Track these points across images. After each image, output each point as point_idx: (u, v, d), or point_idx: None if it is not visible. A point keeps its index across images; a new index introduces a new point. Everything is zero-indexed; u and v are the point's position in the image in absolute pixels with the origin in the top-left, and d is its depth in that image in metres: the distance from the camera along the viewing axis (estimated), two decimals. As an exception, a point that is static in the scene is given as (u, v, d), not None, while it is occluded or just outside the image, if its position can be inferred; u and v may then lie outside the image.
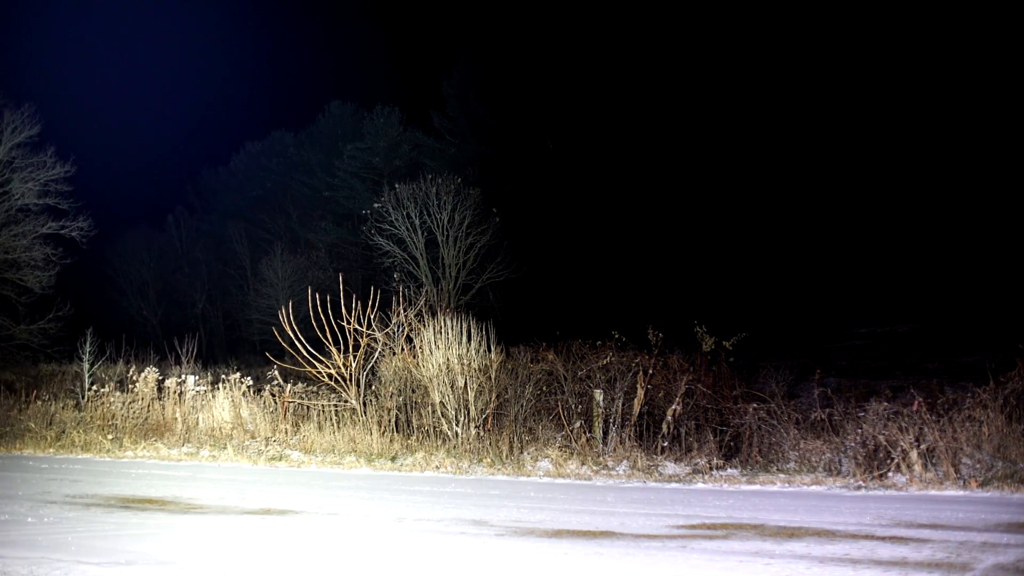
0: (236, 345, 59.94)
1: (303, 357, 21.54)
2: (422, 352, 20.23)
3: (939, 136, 47.44)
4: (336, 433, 20.47)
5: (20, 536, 10.07)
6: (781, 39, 56.72)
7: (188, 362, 25.56)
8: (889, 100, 50.63)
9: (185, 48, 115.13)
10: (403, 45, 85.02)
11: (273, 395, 22.56)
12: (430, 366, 19.83)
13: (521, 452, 18.19)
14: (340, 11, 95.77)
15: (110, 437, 22.37)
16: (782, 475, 15.57)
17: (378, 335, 21.50)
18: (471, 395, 19.21)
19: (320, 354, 21.44)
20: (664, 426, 17.87)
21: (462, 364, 19.55)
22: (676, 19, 61.63)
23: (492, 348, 19.90)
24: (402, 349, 21.22)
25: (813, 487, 14.57)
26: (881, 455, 14.92)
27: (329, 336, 21.27)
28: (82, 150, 47.48)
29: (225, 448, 20.82)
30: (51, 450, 22.08)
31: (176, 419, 22.85)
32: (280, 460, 19.56)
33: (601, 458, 17.46)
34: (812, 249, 49.54)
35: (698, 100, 56.89)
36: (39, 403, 24.33)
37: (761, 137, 53.35)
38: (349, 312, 21.23)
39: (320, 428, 20.91)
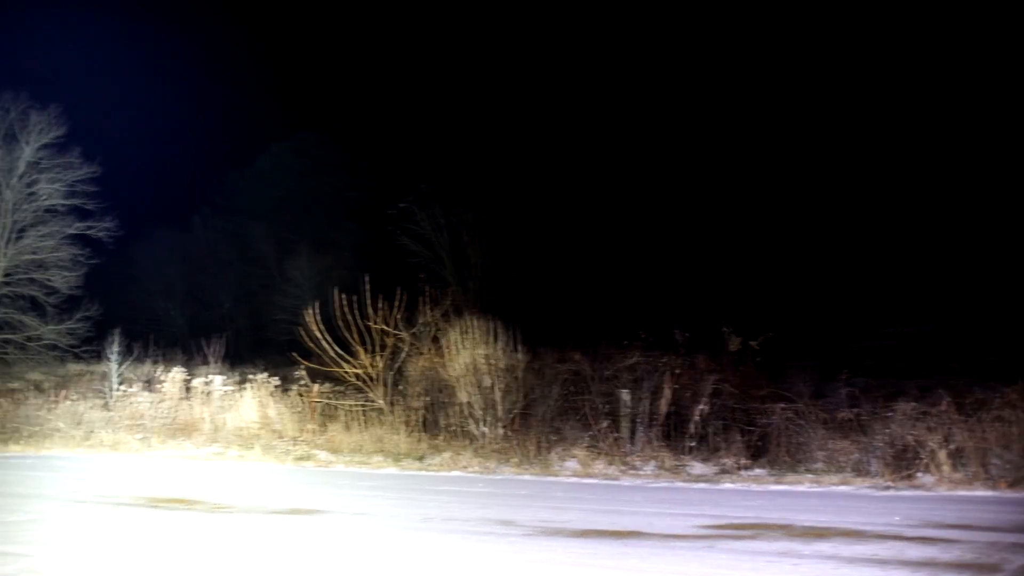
0: (262, 345, 59.81)
1: (329, 357, 21.58)
2: (448, 352, 20.24)
3: (966, 135, 47.22)
4: (363, 433, 20.50)
5: (49, 535, 10.13)
6: (806, 40, 56.59)
7: (215, 362, 25.64)
8: (915, 98, 50.44)
9: (211, 49, 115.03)
10: (427, 44, 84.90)
11: (300, 395, 22.61)
12: (456, 366, 19.84)
13: (548, 452, 18.19)
14: (362, 11, 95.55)
15: (138, 436, 22.47)
16: (810, 475, 15.53)
17: (404, 335, 21.51)
18: (498, 395, 19.22)
19: (347, 354, 21.47)
20: (691, 426, 17.84)
21: (488, 364, 19.54)
22: (695, 16, 61.62)
23: (518, 348, 19.89)
24: (428, 349, 21.23)
25: (841, 487, 14.53)
26: (909, 455, 14.87)
27: (355, 336, 21.30)
28: (108, 151, 47.50)
29: (252, 448, 20.87)
30: (79, 449, 22.17)
31: (203, 419, 22.93)
32: (307, 460, 19.60)
33: (628, 458, 17.45)
34: (838, 249, 49.31)
35: (721, 101, 56.79)
36: (67, 403, 24.45)
37: (788, 138, 53.21)
38: (375, 312, 21.26)
39: (347, 428, 20.95)
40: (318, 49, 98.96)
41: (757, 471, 16.18)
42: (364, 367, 21.23)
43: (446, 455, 18.72)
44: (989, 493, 13.46)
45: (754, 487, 14.93)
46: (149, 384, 24.56)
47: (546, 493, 14.19)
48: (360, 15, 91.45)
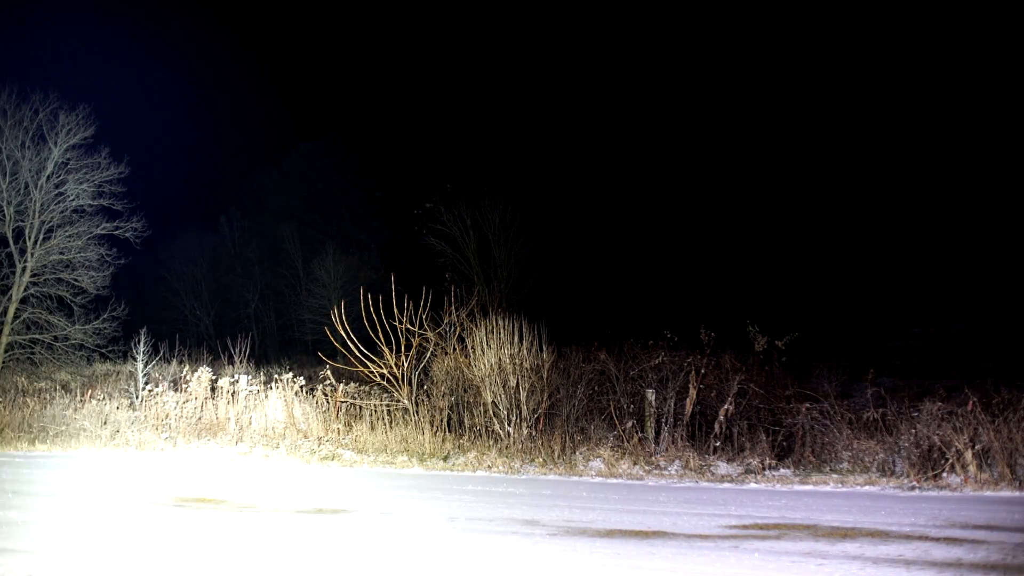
0: (288, 345, 60.20)
1: (355, 357, 21.61)
2: (474, 352, 20.25)
3: (993, 135, 47.03)
4: (388, 433, 20.52)
5: (74, 536, 10.17)
6: (829, 45, 56.55)
7: (241, 362, 25.72)
8: (942, 97, 50.29)
9: (237, 50, 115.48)
10: (456, 48, 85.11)
11: (326, 395, 22.65)
12: (482, 366, 19.85)
13: (573, 452, 18.18)
14: (389, 13, 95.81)
15: (164, 436, 22.54)
16: (835, 475, 15.49)
17: (430, 335, 21.54)
18: (523, 395, 19.23)
19: (372, 354, 21.51)
20: (716, 426, 17.82)
21: (514, 364, 19.55)
22: (722, 29, 61.69)
23: (544, 348, 19.89)
24: (454, 349, 21.25)
25: (866, 487, 14.49)
26: (935, 455, 14.81)
27: (381, 336, 21.33)
28: (136, 151, 47.83)
29: (278, 447, 20.92)
30: (106, 449, 22.25)
31: (229, 419, 22.99)
32: (333, 459, 19.63)
33: (653, 458, 17.43)
34: (866, 248, 49.26)
35: (747, 106, 56.84)
36: (94, 402, 24.51)
37: (819, 140, 53.18)
38: (401, 312, 21.29)
39: (372, 428, 20.98)
40: (347, 50, 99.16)
41: (782, 471, 16.15)
42: (390, 367, 21.26)
43: (471, 455, 18.74)
44: (1016, 494, 13.41)
45: (779, 487, 14.90)
46: (175, 384, 24.65)
47: (571, 493, 14.18)
48: (391, 18, 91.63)
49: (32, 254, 33.54)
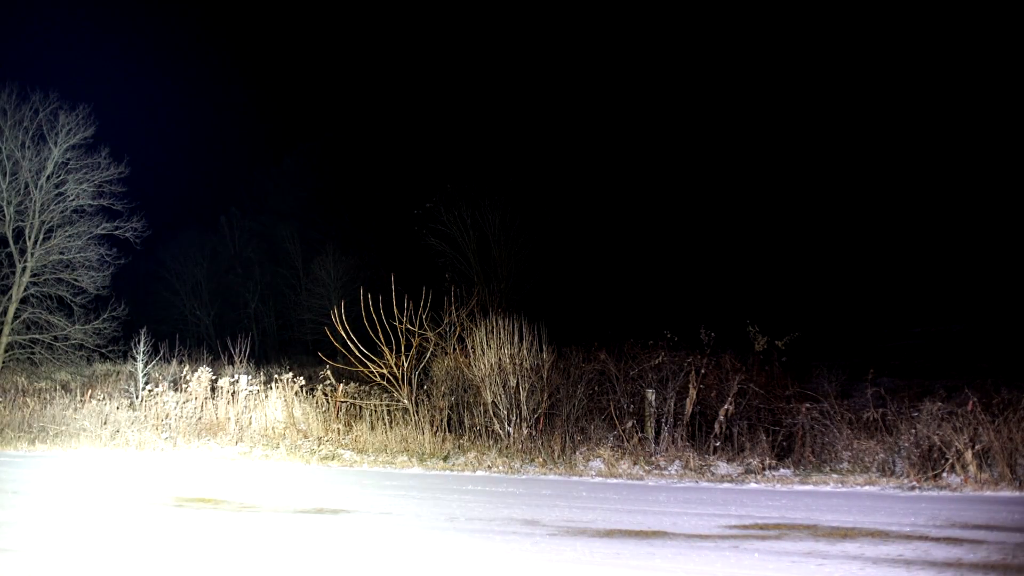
0: (288, 345, 60.16)
1: (355, 357, 21.60)
2: (474, 352, 20.24)
3: (993, 135, 47.01)
4: (388, 433, 20.50)
5: (74, 536, 10.16)
6: (834, 45, 56.54)
7: (241, 362, 25.68)
8: (942, 97, 50.27)
9: (238, 50, 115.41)
10: (457, 49, 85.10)
11: (325, 395, 22.64)
12: (482, 366, 19.84)
13: (573, 452, 18.16)
14: (389, 14, 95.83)
15: (164, 436, 22.52)
16: (835, 475, 15.47)
17: (430, 335, 21.54)
18: (523, 395, 19.21)
19: (372, 354, 21.49)
20: (716, 426, 17.80)
21: (514, 364, 19.53)
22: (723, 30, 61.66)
23: (544, 348, 19.87)
24: (454, 349, 21.24)
25: (866, 487, 14.48)
26: (935, 455, 14.80)
27: (381, 336, 21.32)
28: (136, 151, 47.81)
29: (278, 447, 20.90)
30: (106, 449, 22.22)
31: (229, 419, 22.97)
32: (333, 459, 19.61)
33: (653, 458, 17.41)
34: (865, 248, 49.23)
35: (747, 108, 56.84)
36: (94, 402, 24.48)
37: (815, 138, 53.16)
38: (401, 312, 21.28)
39: (372, 428, 20.96)
40: (347, 50, 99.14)
41: (782, 471, 16.13)
42: (390, 367, 21.26)
43: (471, 455, 18.73)
44: (1016, 494, 13.39)
45: (779, 487, 14.88)
46: (175, 384, 24.63)
47: (571, 493, 14.17)
48: (391, 19, 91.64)
49: (32, 254, 33.58)
